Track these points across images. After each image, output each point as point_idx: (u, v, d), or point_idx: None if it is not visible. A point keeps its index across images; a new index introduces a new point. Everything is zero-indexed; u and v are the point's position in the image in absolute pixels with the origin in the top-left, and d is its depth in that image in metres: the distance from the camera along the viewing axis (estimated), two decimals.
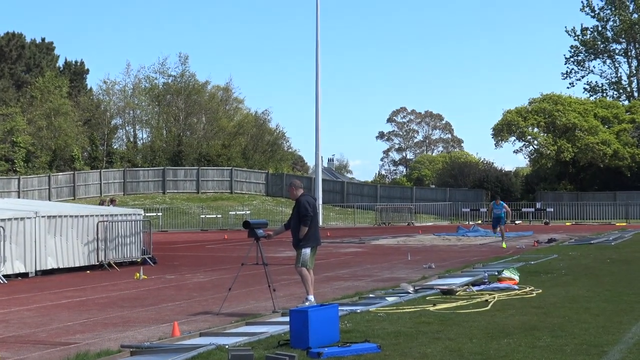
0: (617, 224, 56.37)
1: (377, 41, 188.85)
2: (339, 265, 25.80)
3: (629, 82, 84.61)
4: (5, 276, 22.30)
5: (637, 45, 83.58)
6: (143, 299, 17.57)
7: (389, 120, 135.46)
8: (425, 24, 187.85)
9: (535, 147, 73.12)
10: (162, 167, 75.55)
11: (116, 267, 25.90)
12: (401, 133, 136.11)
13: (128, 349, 10.99)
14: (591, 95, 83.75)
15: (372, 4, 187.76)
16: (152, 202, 66.51)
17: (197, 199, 71.40)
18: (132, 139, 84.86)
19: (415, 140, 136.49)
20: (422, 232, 47.38)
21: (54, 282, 21.83)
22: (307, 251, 14.99)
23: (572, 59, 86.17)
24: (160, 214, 58.13)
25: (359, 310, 14.19)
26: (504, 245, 33.04)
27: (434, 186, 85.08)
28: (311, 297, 14.92)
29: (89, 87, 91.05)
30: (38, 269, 23.78)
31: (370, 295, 16.55)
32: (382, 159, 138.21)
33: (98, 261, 25.80)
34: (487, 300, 15.24)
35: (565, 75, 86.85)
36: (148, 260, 27.45)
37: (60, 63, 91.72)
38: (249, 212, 62.43)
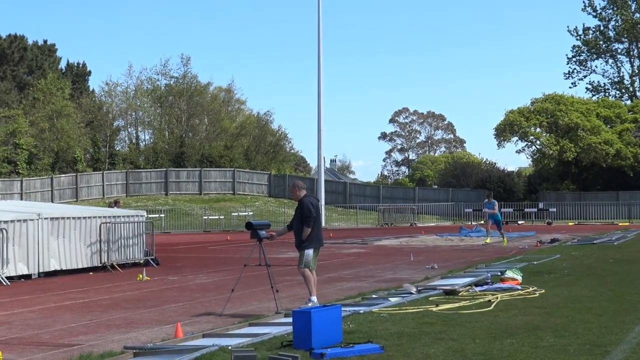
0: (620, 224, 56.34)
1: (379, 42, 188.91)
2: (341, 266, 25.80)
3: (632, 81, 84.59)
4: (8, 278, 22.31)
5: (639, 45, 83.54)
6: (146, 301, 17.58)
7: (391, 120, 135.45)
8: (427, 25, 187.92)
9: (537, 147, 73.12)
10: (165, 169, 75.56)
11: (119, 268, 25.91)
12: (403, 133, 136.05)
13: (131, 350, 11.00)
14: (593, 95, 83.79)
15: (374, 5, 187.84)
16: (154, 204, 66.53)
17: (199, 200, 71.42)
18: (134, 141, 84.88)
19: (418, 141, 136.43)
20: (424, 233, 47.36)
21: (56, 284, 21.83)
22: (309, 252, 14.99)
23: (574, 59, 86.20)
24: (162, 215, 58.13)
25: (361, 311, 14.19)
26: (488, 240, 34.10)
27: (436, 187, 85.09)
28: (314, 298, 14.92)
29: (91, 88, 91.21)
30: (41, 270, 23.79)
31: (373, 296, 16.55)
32: (384, 160, 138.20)
33: (101, 263, 25.80)
34: (490, 301, 15.23)
35: (567, 75, 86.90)
36: (151, 261, 27.46)
37: (63, 65, 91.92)
38: (251, 213, 62.42)
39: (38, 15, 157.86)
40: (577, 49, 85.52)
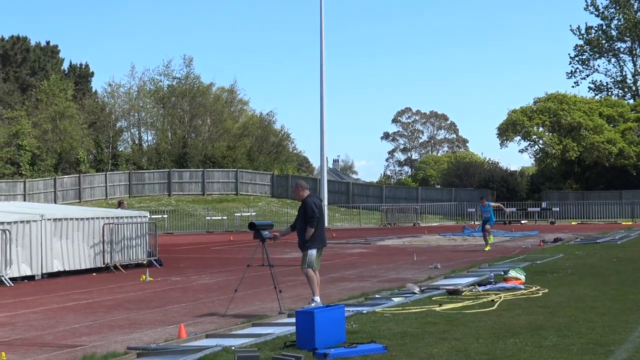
0: (623, 223, 56.31)
1: (382, 42, 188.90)
2: (344, 266, 25.81)
3: (634, 80, 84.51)
4: (11, 279, 22.34)
5: None
6: (149, 301, 17.59)
7: (394, 120, 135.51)
8: (429, 25, 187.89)
9: (540, 146, 73.08)
10: (168, 169, 75.57)
11: (122, 269, 25.93)
12: (406, 133, 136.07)
13: (134, 351, 11.00)
14: (596, 94, 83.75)
15: (376, 5, 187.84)
16: (157, 204, 66.54)
17: (202, 201, 71.43)
18: (137, 142, 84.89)
19: (420, 141, 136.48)
20: (427, 233, 47.36)
21: (60, 285, 21.85)
22: (313, 252, 14.99)
23: (576, 58, 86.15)
24: (165, 216, 58.14)
25: (365, 311, 14.19)
26: (487, 248, 31.39)
27: (439, 186, 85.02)
28: (317, 298, 14.92)
29: (93, 89, 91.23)
30: (44, 271, 23.81)
31: (376, 296, 16.55)
32: (387, 160, 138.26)
33: (104, 263, 25.82)
34: (493, 300, 15.23)
35: (570, 75, 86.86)
36: (154, 262, 27.47)
37: (65, 66, 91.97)
38: (254, 213, 62.42)
39: (41, 17, 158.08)
40: (579, 48, 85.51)
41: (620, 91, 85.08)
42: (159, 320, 14.67)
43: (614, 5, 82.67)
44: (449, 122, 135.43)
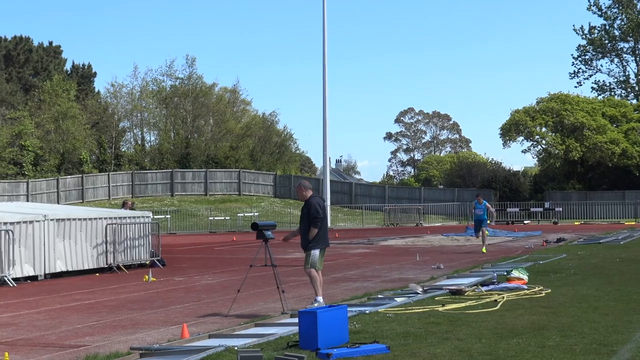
0: (626, 223, 56.25)
1: (385, 42, 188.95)
2: (347, 266, 25.80)
3: (637, 80, 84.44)
4: (14, 279, 22.35)
5: None
6: (152, 301, 17.59)
7: (397, 120, 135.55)
8: (432, 25, 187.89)
9: (543, 146, 73.05)
10: (170, 170, 75.62)
11: (125, 269, 25.93)
12: (409, 134, 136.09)
13: (137, 351, 11.01)
14: (599, 94, 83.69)
15: (379, 5, 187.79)
16: (160, 205, 66.57)
17: (205, 201, 71.45)
18: (140, 142, 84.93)
19: (423, 141, 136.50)
20: (430, 233, 47.34)
21: (63, 285, 21.86)
22: (316, 252, 14.98)
23: (579, 58, 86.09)
24: (168, 216, 58.14)
25: (367, 311, 14.19)
26: (484, 250, 30.43)
27: (442, 186, 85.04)
28: (320, 299, 14.91)
29: (96, 90, 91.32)
30: (47, 272, 23.82)
31: (379, 296, 16.54)
32: (390, 160, 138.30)
33: (107, 264, 25.83)
34: (496, 300, 15.22)
35: (573, 75, 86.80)
36: (157, 262, 27.48)
37: (68, 66, 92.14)
38: (257, 213, 62.41)
39: (43, 17, 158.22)
40: (582, 48, 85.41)
41: (623, 91, 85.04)
42: (161, 320, 14.68)
43: (617, 5, 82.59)
44: (451, 122, 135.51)
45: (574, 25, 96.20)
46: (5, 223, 22.65)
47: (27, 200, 60.76)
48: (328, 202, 56.35)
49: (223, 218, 60.19)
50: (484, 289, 17.04)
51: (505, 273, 19.39)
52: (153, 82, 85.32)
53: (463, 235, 43.24)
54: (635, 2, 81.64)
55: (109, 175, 72.39)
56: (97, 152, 78.39)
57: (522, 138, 72.99)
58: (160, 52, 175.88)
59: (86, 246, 25.27)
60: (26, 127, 71.37)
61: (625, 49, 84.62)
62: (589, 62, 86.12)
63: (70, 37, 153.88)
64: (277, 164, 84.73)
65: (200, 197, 73.62)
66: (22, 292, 20.46)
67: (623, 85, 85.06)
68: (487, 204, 31.52)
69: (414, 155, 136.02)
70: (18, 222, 23.07)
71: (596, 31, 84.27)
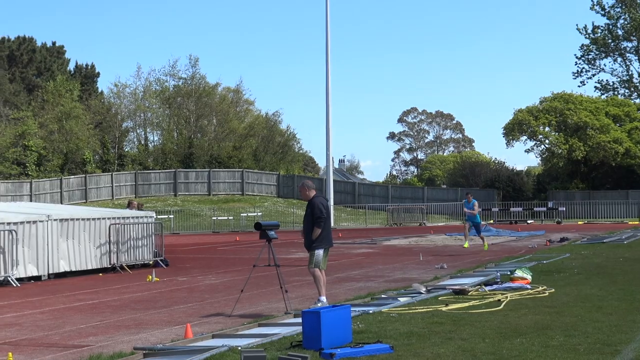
0: (630, 223, 56.19)
1: (387, 41, 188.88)
2: (350, 266, 25.79)
3: None
4: (18, 279, 22.38)
5: None
6: (155, 301, 17.60)
7: (400, 120, 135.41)
8: (435, 24, 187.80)
9: (546, 146, 72.97)
10: (174, 170, 75.65)
11: (128, 269, 25.96)
12: (412, 133, 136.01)
13: (141, 351, 11.01)
14: (602, 94, 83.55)
15: (382, 5, 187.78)
16: (163, 205, 66.60)
17: (208, 201, 71.47)
18: (143, 142, 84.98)
19: (426, 141, 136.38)
20: (433, 233, 47.32)
21: (66, 285, 21.88)
22: (320, 252, 14.98)
23: (583, 58, 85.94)
24: (171, 216, 58.17)
25: (371, 311, 14.19)
26: (466, 245, 29.79)
27: (445, 186, 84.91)
28: (323, 298, 14.91)
29: (99, 90, 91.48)
30: (51, 272, 23.84)
31: (383, 296, 16.54)
32: (393, 160, 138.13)
33: (110, 264, 25.85)
34: (499, 300, 15.21)
35: (576, 74, 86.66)
36: (160, 262, 27.50)
37: (71, 66, 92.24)
38: (260, 213, 62.43)
39: (47, 17, 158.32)
40: (585, 47, 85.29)
41: (627, 91, 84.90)
42: (165, 320, 14.68)
43: (620, 5, 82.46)
44: (454, 121, 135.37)
45: (577, 25, 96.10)
46: (8, 223, 22.68)
47: (31, 201, 60.82)
48: (331, 202, 56.32)
49: (226, 218, 60.20)
50: (487, 288, 17.03)
51: (508, 273, 19.37)
52: (156, 82, 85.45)
53: None
54: (638, 1, 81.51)
55: (112, 175, 72.43)
56: (101, 152, 78.44)
57: (525, 137, 72.97)
58: (163, 52, 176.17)
59: (89, 246, 25.30)
60: (29, 127, 71.44)
61: (628, 49, 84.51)
62: (592, 62, 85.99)
63: (74, 37, 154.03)
64: (280, 163, 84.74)
65: (204, 197, 73.64)
66: (26, 292, 20.48)
67: (626, 85, 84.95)
68: (476, 202, 30.19)
69: (417, 155, 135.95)
70: (21, 222, 23.09)
71: (599, 31, 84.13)
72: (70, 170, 73.39)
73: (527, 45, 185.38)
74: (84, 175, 70.74)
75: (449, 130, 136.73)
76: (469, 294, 16.39)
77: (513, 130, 71.63)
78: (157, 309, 16.33)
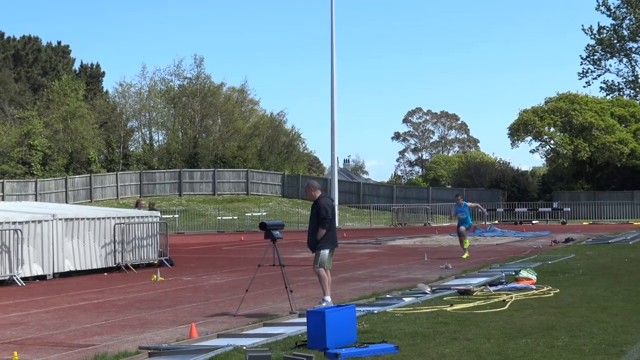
0: (635, 223, 56.08)
1: (393, 41, 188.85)
2: (355, 266, 25.79)
3: None
4: (23, 279, 22.40)
5: None
6: (160, 301, 17.62)
7: (405, 120, 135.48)
8: (440, 24, 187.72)
9: (551, 146, 72.94)
10: (178, 169, 75.72)
11: (133, 269, 25.98)
12: (417, 133, 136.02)
13: (146, 351, 11.02)
14: (608, 94, 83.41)
15: (387, 5, 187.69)
16: (168, 204, 66.64)
17: (213, 201, 71.51)
18: (148, 142, 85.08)
19: (431, 141, 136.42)
20: (438, 233, 47.30)
21: (71, 285, 21.90)
22: (325, 252, 14.99)
23: (588, 58, 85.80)
24: (176, 216, 58.21)
25: (376, 311, 14.18)
26: (465, 255, 27.30)
27: (450, 186, 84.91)
28: (328, 298, 14.91)
29: (105, 89, 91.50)
30: (56, 271, 23.87)
31: (387, 296, 16.53)
32: (398, 160, 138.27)
33: (115, 263, 25.88)
34: (504, 300, 15.20)
35: (581, 75, 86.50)
36: (165, 262, 27.52)
37: (76, 66, 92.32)
38: (265, 213, 62.46)
39: (52, 17, 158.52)
40: (591, 48, 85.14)
41: (632, 91, 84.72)
42: (170, 320, 14.69)
43: (626, 5, 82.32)
44: (459, 122, 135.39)
45: (582, 25, 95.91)
46: (14, 222, 22.72)
47: (36, 200, 60.91)
48: (336, 202, 56.29)
49: (231, 218, 60.22)
50: (492, 289, 17.02)
51: (513, 273, 19.36)
52: (161, 81, 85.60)
53: (471, 235, 43.20)
54: None
55: (117, 174, 72.51)
56: (106, 151, 78.55)
57: (530, 138, 72.92)
58: (168, 52, 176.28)
59: (94, 246, 25.32)
60: (35, 126, 71.54)
61: (634, 49, 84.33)
62: (598, 62, 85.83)
63: (79, 37, 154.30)
64: (285, 163, 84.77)
65: (208, 197, 73.69)
66: (31, 291, 20.50)
67: (632, 85, 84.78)
68: (468, 204, 28.65)
69: (422, 155, 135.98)
70: (27, 222, 23.13)
71: (605, 31, 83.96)
72: (75, 170, 73.48)
73: (533, 45, 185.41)
74: (89, 175, 70.82)
75: (453, 131, 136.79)
76: (474, 294, 16.38)
77: (518, 131, 71.59)
78: (162, 308, 16.35)
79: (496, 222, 58.27)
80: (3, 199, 59.79)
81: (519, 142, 72.88)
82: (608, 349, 10.38)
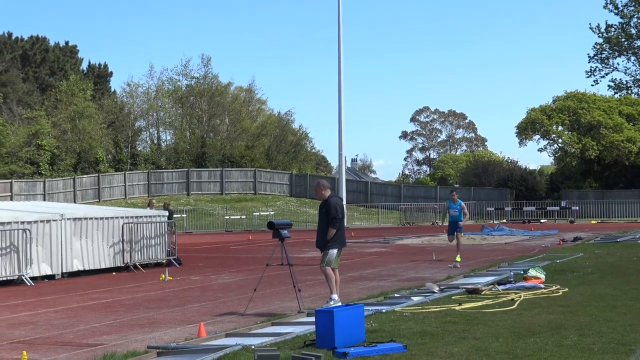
0: None
1: (400, 40, 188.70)
2: (363, 265, 25.78)
3: None
4: (32, 278, 22.45)
5: None
6: (169, 300, 17.63)
7: (412, 119, 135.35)
8: (448, 23, 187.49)
9: (559, 145, 72.82)
10: (186, 169, 75.80)
11: (141, 268, 26.01)
12: (424, 132, 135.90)
13: (155, 350, 11.03)
14: (616, 93, 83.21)
15: (394, 4, 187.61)
16: (176, 204, 66.69)
17: (221, 200, 71.56)
18: (155, 141, 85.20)
19: (439, 140, 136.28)
20: (446, 232, 47.15)
21: (80, 284, 21.94)
22: (333, 252, 14.99)
23: (596, 57, 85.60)
24: (184, 215, 58.29)
25: (384, 310, 14.17)
26: (458, 259, 25.70)
27: (458, 185, 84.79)
28: (335, 296, 14.91)
29: (112, 89, 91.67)
30: (64, 271, 23.92)
31: (396, 295, 16.52)
32: (405, 159, 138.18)
33: (123, 263, 25.91)
34: (513, 299, 15.18)
35: (589, 73, 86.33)
36: (173, 261, 27.55)
37: (84, 66, 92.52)
38: (272, 212, 62.49)
39: (60, 17, 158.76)
40: (599, 46, 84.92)
41: None
42: (178, 319, 14.70)
43: (633, 4, 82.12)
44: (467, 121, 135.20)
45: (590, 24, 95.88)
46: (22, 222, 22.77)
47: (44, 200, 61.07)
48: (344, 202, 56.25)
49: (239, 217, 60.29)
50: (500, 288, 17.00)
51: (522, 272, 19.34)
52: (169, 81, 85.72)
53: (479, 234, 43.20)
54: None
55: (125, 174, 72.60)
56: (113, 151, 78.67)
57: (538, 137, 72.86)
58: (175, 52, 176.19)
59: (103, 245, 25.36)
60: (43, 126, 71.68)
61: None
62: (606, 61, 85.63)
63: (87, 37, 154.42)
64: (292, 163, 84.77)
65: (216, 196, 73.74)
66: (40, 291, 20.54)
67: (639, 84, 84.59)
68: (463, 203, 27.21)
69: (429, 154, 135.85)
70: (35, 222, 23.17)
71: (613, 29, 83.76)
72: (83, 170, 73.61)
73: (540, 44, 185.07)
74: (97, 175, 70.92)
75: (461, 130, 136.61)
76: (482, 293, 16.36)
77: (526, 130, 71.50)
78: (171, 307, 16.36)
79: (504, 221, 58.20)
80: (12, 199, 59.93)
81: (527, 140, 72.84)
82: (617, 347, 10.36)
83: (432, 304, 14.94)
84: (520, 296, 15.58)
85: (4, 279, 21.99)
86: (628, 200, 64.17)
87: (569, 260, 24.25)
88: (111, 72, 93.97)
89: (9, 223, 22.41)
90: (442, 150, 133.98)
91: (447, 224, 27.27)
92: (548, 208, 63.63)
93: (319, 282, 19.10)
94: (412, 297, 15.95)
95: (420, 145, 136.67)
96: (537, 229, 48.45)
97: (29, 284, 21.95)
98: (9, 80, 79.88)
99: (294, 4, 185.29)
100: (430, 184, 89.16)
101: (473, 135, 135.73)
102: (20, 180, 66.07)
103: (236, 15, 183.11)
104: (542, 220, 60.20)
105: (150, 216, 27.85)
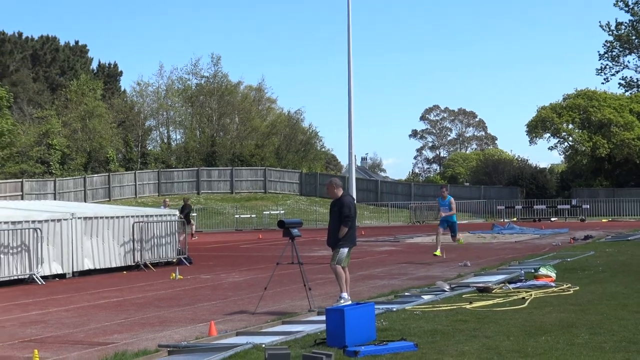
0: None
1: (410, 39, 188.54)
2: (374, 263, 25.77)
3: None
4: (43, 277, 22.50)
5: None
6: (179, 299, 17.66)
7: (422, 118, 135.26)
8: (457, 21, 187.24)
9: (570, 143, 72.65)
10: (196, 168, 75.86)
11: (152, 267, 26.05)
12: (434, 131, 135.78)
13: (165, 349, 11.04)
14: (626, 91, 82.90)
15: (404, 2, 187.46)
16: None
17: (231, 199, 71.61)
18: (165, 140, 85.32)
19: (449, 138, 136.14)
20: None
21: (90, 283, 21.99)
22: (344, 250, 15.01)
23: (606, 55, 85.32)
24: (194, 214, 58.28)
25: (395, 309, 14.17)
26: (438, 253, 25.64)
27: (468, 184, 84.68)
28: (345, 295, 14.91)
29: (122, 89, 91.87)
30: (75, 270, 23.97)
31: (406, 294, 16.52)
32: (415, 157, 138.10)
33: (134, 262, 25.96)
34: (523, 298, 15.16)
35: (599, 71, 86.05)
36: (184, 260, 27.58)
37: (94, 66, 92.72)
38: (283, 211, 62.49)
39: (69, 17, 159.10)
40: (609, 44, 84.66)
41: None
42: (189, 318, 14.72)
43: None
44: (477, 119, 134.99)
45: (600, 22, 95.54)
46: (33, 221, 22.83)
47: (55, 199, 61.15)
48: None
49: (249, 216, 60.33)
50: (511, 286, 16.97)
51: (532, 270, 19.29)
52: (178, 80, 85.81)
53: (489, 233, 43.12)
54: None
55: (135, 173, 72.69)
56: (124, 150, 78.80)
57: (548, 135, 72.70)
58: (185, 51, 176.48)
59: (113, 244, 25.41)
60: (53, 126, 71.84)
61: None
62: (616, 59, 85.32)
63: (97, 36, 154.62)
64: (302, 162, 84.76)
65: (226, 195, 73.79)
66: (51, 290, 20.60)
67: None
68: (452, 198, 26.63)
69: (439, 153, 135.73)
70: (46, 221, 23.23)
71: (623, 27, 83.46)
72: (93, 169, 73.76)
73: (551, 42, 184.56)
74: (107, 174, 71.04)
75: (471, 128, 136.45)
76: (493, 291, 16.34)
77: (536, 128, 71.38)
78: (181, 306, 16.38)
79: (515, 219, 58.11)
80: (22, 198, 60.05)
81: (537, 139, 72.71)
82: (629, 346, 10.33)
83: (442, 303, 14.93)
84: (531, 295, 15.56)
85: (15, 277, 22.06)
86: (639, 199, 63.95)
87: (579, 259, 24.19)
88: (121, 72, 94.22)
89: (20, 222, 22.47)
90: (452, 149, 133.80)
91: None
92: (559, 206, 63.46)
93: (329, 281, 19.10)
94: (422, 296, 15.93)
95: (430, 144, 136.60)
96: (547, 228, 48.31)
97: (40, 283, 22.01)
98: (20, 80, 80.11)
99: (303, 3, 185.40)
100: (440, 183, 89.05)
101: (483, 133, 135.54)
102: (31, 179, 66.21)
103: (246, 14, 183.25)
104: (552, 219, 60.07)
105: (160, 215, 27.89)
